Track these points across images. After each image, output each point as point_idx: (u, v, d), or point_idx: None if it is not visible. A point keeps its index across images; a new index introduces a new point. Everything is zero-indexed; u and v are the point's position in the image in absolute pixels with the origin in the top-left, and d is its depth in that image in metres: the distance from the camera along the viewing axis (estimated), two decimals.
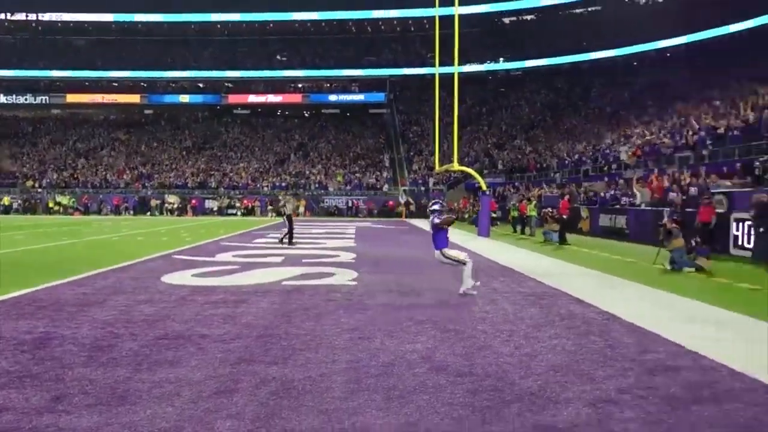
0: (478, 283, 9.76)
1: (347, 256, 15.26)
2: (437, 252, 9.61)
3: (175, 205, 46.97)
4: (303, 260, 14.31)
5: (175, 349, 5.88)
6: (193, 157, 57.85)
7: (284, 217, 19.05)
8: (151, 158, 58.06)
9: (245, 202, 48.25)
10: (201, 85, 66.13)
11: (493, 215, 30.66)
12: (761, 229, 14.16)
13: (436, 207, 9.90)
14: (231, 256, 15.08)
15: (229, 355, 5.72)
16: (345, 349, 5.93)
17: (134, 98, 65.39)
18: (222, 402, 4.41)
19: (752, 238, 14.69)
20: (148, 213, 46.83)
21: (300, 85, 66.27)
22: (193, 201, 48.08)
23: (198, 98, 65.44)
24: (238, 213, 47.18)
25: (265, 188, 51.38)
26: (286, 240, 18.46)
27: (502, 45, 63.21)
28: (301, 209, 43.35)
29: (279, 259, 14.52)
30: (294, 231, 19.01)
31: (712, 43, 47.39)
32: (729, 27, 46.02)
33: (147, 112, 67.17)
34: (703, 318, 7.63)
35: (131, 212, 47.10)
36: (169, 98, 65.41)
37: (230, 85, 66.06)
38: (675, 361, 5.59)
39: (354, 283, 10.63)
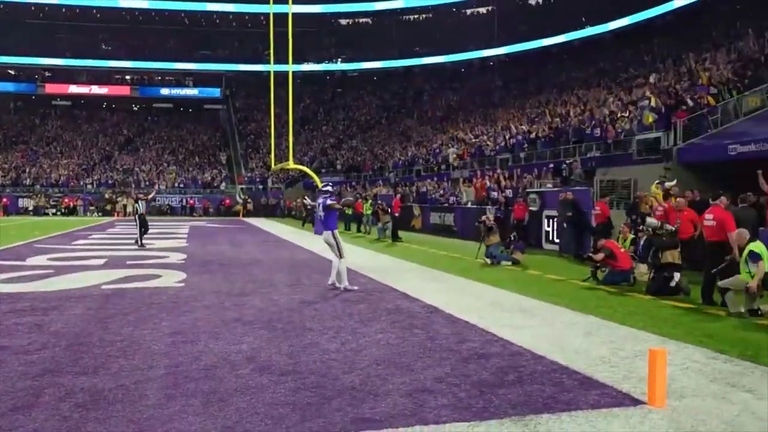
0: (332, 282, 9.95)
1: (176, 257, 14.63)
2: (327, 233, 9.78)
3: None
4: (127, 262, 13.50)
5: None
6: (3, 151, 52.27)
7: (136, 217, 17.94)
8: None
9: (65, 200, 44.49)
10: (12, 72, 59.87)
11: None
12: (564, 225, 15.62)
13: (328, 188, 10.32)
14: (45, 260, 13.85)
15: (31, 367, 5.23)
16: (164, 354, 5.67)
17: None
18: (18, 419, 4.02)
19: (559, 233, 16.17)
20: None
21: (128, 77, 62.28)
22: (5, 199, 43.47)
23: (9, 86, 59.15)
24: (58, 212, 43.42)
25: (89, 186, 47.79)
26: (143, 242, 17.44)
27: (339, 46, 63.94)
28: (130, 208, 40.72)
29: (101, 262, 13.57)
30: (146, 231, 17.95)
31: (528, 54, 51.41)
32: (542, 41, 50.20)
33: None
34: (514, 307, 8.26)
35: None
36: None
37: (48, 73, 60.50)
38: (487, 349, 5.99)
39: (181, 284, 10.22)
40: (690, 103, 17.76)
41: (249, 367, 5.28)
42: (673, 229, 9.54)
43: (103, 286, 9.93)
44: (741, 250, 7.87)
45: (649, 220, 9.90)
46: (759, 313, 7.59)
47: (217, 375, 5.03)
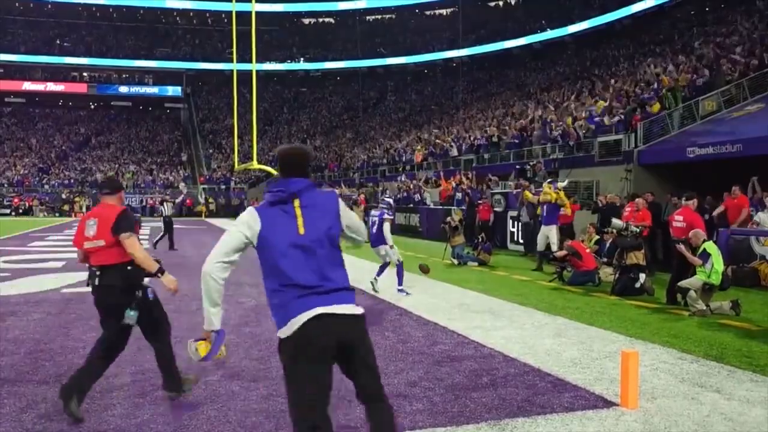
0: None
1: None
2: (384, 246, 9.43)
3: None
4: (87, 265, 13.11)
5: None
6: None
7: (162, 219, 17.20)
8: None
9: (15, 200, 43.09)
10: None
11: None
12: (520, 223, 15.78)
13: (390, 201, 10.05)
14: (0, 263, 13.38)
15: None
16: (130, 361, 5.50)
17: None
18: None
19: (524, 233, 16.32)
20: None
21: (85, 74, 60.81)
22: None
23: None
24: (12, 213, 42.14)
25: (46, 186, 46.52)
26: (165, 245, 16.64)
27: (302, 45, 63.58)
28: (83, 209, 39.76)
29: (59, 264, 13.18)
30: (171, 235, 17.10)
31: (490, 56, 51.91)
32: (504, 43, 50.77)
33: None
34: (483, 308, 8.28)
35: None
36: None
37: (1, 69, 58.71)
38: (459, 352, 5.98)
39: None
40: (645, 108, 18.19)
41: (218, 374, 5.16)
42: (638, 230, 9.71)
43: (63, 290, 9.63)
44: (696, 249, 8.08)
45: (615, 221, 10.06)
46: (709, 311, 7.82)
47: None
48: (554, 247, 11.68)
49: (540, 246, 12.62)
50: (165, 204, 17.70)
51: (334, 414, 4.18)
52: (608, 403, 4.46)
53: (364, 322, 2.90)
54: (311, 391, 2.70)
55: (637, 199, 11.24)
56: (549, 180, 12.57)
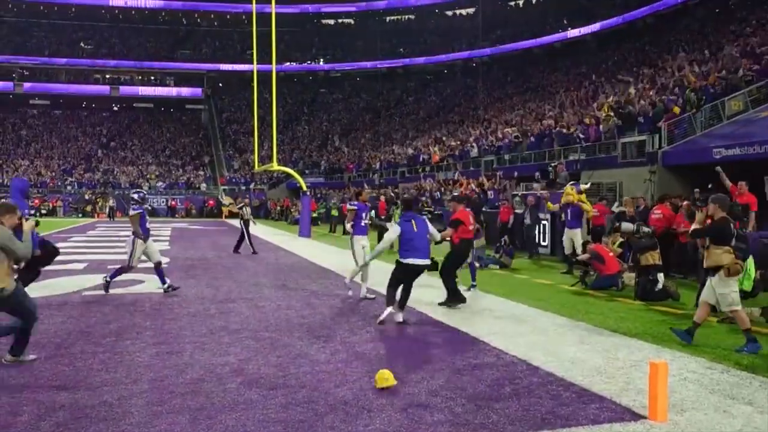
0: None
1: None
2: None
3: None
4: (109, 266, 13.17)
5: None
6: None
7: (241, 223, 16.78)
8: None
9: (36, 201, 43.51)
10: None
11: (314, 215, 30.80)
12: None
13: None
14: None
15: (7, 381, 5.02)
16: (149, 367, 5.48)
17: None
18: None
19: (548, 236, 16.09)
20: None
21: (108, 76, 61.46)
22: None
23: None
24: (36, 214, 42.64)
25: (69, 187, 47.07)
26: (249, 249, 16.33)
27: (322, 46, 63.65)
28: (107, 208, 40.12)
29: (81, 266, 13.27)
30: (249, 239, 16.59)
31: (511, 56, 51.51)
32: (525, 43, 50.31)
33: None
34: (505, 314, 8.15)
35: None
36: None
37: (25, 72, 59.53)
38: (480, 359, 5.86)
39: (159, 290, 9.96)
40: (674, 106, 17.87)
41: (237, 381, 5.11)
42: (651, 230, 9.50)
43: (84, 293, 9.68)
44: None
45: (624, 225, 9.84)
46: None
47: (204, 389, 4.85)
48: (579, 251, 11.52)
49: (567, 249, 12.48)
50: (245, 208, 17.13)
51: (354, 423, 4.11)
52: (636, 416, 4.33)
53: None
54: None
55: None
56: (572, 182, 12.41)
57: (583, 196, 11.94)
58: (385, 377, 4.88)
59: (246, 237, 16.49)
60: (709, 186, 11.41)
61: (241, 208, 17.29)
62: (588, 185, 12.79)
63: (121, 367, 5.48)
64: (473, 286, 10.03)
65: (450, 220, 9.20)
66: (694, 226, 6.92)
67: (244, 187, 47.39)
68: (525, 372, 5.43)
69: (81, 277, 11.42)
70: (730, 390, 4.92)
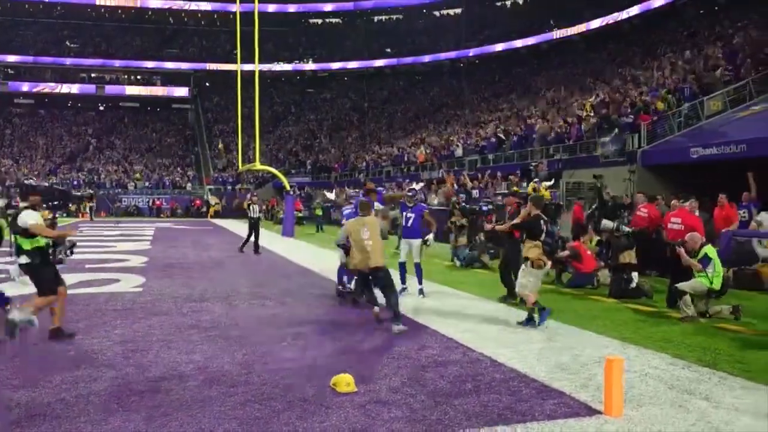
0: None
1: (138, 260, 14.27)
2: (419, 241, 9.45)
3: None
4: (86, 266, 13.11)
5: None
6: None
7: (248, 221, 16.39)
8: None
9: (17, 202, 43.17)
10: None
11: (300, 215, 30.71)
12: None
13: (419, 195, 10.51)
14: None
15: None
16: (111, 365, 5.45)
17: None
18: None
19: None
20: None
21: (94, 76, 61.02)
22: None
23: None
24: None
25: (56, 186, 46.67)
26: (248, 248, 16.19)
27: (310, 46, 63.49)
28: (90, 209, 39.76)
29: (58, 265, 13.11)
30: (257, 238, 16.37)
31: (498, 56, 51.61)
32: (512, 43, 50.43)
33: None
34: (478, 312, 8.16)
35: None
36: None
37: (10, 70, 59.03)
38: (446, 356, 5.88)
39: (139, 289, 9.93)
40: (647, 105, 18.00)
41: (199, 379, 5.09)
42: (629, 230, 9.56)
43: None
44: (694, 253, 7.89)
45: (605, 222, 9.90)
46: (708, 315, 7.67)
47: (164, 387, 4.83)
48: None
49: None
50: (251, 206, 16.78)
51: (310, 420, 4.11)
52: (592, 411, 4.36)
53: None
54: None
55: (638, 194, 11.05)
56: (535, 180, 12.41)
57: (547, 194, 11.83)
58: (346, 382, 4.85)
59: (254, 236, 16.24)
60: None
61: (248, 207, 16.97)
62: (552, 182, 12.76)
63: (84, 365, 5.45)
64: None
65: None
66: (516, 220, 7.71)
67: (230, 188, 47.23)
68: (489, 368, 5.45)
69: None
70: (688, 385, 4.96)
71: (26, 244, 6.37)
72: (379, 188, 11.40)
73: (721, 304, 7.86)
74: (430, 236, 9.69)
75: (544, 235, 7.11)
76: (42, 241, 6.46)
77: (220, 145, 39.08)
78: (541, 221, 7.15)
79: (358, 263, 7.25)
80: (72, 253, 7.10)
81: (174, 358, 5.73)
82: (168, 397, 4.60)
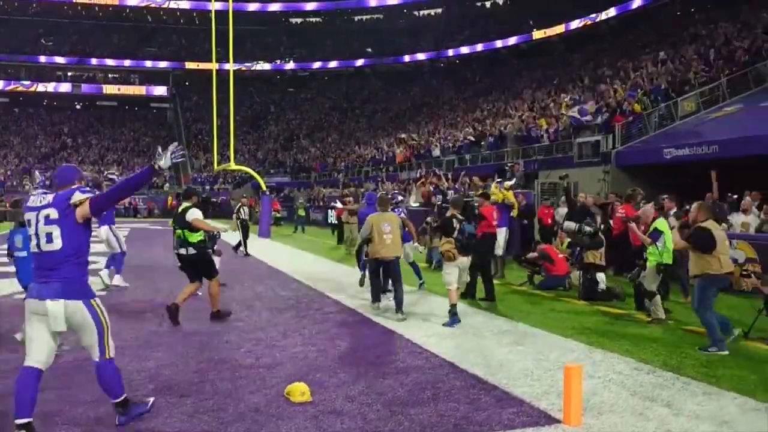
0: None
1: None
2: (408, 244, 9.97)
3: None
4: None
5: None
6: None
7: (237, 223, 15.74)
8: None
9: None
10: None
11: (278, 215, 30.45)
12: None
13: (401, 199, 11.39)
14: None
15: None
16: (55, 376, 5.17)
17: None
18: None
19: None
20: None
21: (70, 74, 60.16)
22: None
23: None
24: None
25: (27, 186, 45.92)
26: (242, 249, 15.87)
27: (290, 45, 63.12)
28: None
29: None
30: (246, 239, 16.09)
31: (478, 56, 51.70)
32: (492, 43, 50.54)
33: None
34: (446, 315, 8.01)
35: None
36: None
37: None
38: (409, 362, 5.74)
39: (102, 293, 9.66)
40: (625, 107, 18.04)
41: (149, 388, 4.91)
42: (592, 230, 9.46)
43: (17, 296, 9.32)
44: (647, 227, 7.77)
45: (567, 224, 9.78)
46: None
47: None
48: (500, 251, 11.17)
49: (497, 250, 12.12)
50: (243, 208, 16.50)
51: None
52: (551, 420, 4.24)
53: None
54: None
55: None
56: (497, 180, 12.25)
57: (510, 194, 11.64)
58: (301, 391, 4.69)
59: (242, 236, 15.99)
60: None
61: (238, 210, 16.61)
62: (513, 182, 12.59)
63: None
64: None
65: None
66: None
67: (208, 187, 46.76)
68: (450, 375, 5.32)
69: (2, 282, 10.97)
70: (651, 392, 4.86)
71: (192, 238, 7.68)
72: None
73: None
74: (415, 244, 10.23)
75: (456, 233, 7.55)
76: (202, 235, 7.80)
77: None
78: (454, 220, 7.64)
79: (377, 252, 7.96)
80: (215, 244, 9.30)
81: (126, 365, 5.50)
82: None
